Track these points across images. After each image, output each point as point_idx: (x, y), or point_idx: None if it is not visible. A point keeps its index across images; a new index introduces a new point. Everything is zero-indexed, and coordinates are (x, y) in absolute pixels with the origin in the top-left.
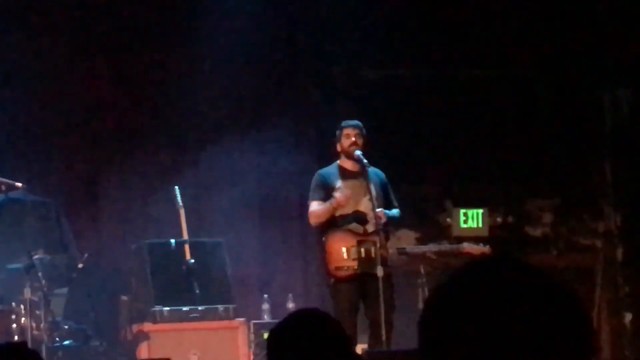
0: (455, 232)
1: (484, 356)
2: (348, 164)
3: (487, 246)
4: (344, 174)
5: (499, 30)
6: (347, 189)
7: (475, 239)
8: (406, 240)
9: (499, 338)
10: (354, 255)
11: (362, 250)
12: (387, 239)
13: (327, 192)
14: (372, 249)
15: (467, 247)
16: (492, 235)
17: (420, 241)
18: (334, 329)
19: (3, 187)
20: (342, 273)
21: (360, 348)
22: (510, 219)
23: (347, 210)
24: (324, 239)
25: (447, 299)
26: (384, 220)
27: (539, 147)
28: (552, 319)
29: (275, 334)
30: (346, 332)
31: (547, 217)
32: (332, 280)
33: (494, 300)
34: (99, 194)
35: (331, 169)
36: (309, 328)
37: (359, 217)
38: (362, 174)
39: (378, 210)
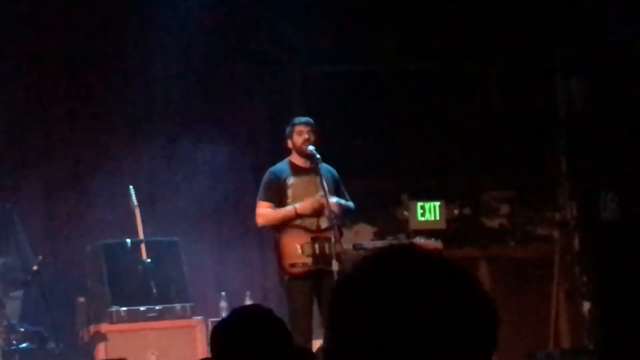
0: (412, 226)
1: (386, 347)
2: (299, 160)
3: (439, 240)
4: (296, 170)
5: (449, 22)
6: (308, 200)
7: (433, 232)
8: (364, 234)
9: (400, 328)
10: (308, 251)
11: (317, 246)
12: (341, 234)
13: (277, 190)
14: (326, 245)
15: (419, 241)
16: (449, 227)
17: (378, 235)
18: (275, 325)
19: None
20: (297, 270)
21: (316, 344)
22: (467, 210)
23: None
24: (277, 235)
25: (349, 291)
26: (337, 211)
27: (493, 139)
28: (454, 309)
29: (218, 331)
30: (287, 327)
31: (504, 209)
32: (287, 277)
33: (395, 291)
34: (52, 195)
35: (283, 165)
36: (251, 324)
37: (312, 214)
38: (313, 169)
39: (332, 200)
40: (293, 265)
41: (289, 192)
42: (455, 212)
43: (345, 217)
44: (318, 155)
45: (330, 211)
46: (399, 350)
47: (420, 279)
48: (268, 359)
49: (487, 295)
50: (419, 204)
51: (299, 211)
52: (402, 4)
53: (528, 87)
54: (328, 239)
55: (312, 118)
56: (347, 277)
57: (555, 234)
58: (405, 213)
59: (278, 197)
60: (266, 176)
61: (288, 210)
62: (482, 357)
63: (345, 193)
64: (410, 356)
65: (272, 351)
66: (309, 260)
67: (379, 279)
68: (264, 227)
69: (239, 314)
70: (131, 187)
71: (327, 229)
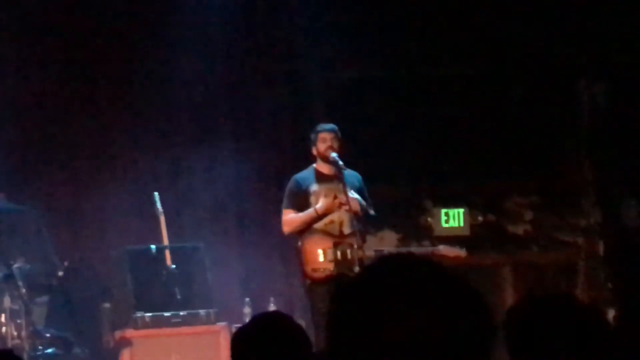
0: (436, 232)
1: (384, 354)
2: (324, 168)
3: (464, 249)
4: (320, 177)
5: (471, 27)
6: (325, 199)
7: (457, 239)
8: (388, 241)
9: (397, 336)
10: (330, 257)
11: (339, 252)
12: (363, 240)
13: (301, 198)
14: (349, 251)
15: (442, 249)
16: (473, 234)
17: (402, 242)
18: (295, 331)
19: None
20: (318, 275)
21: None
22: (491, 217)
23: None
24: (299, 242)
25: (347, 298)
26: (356, 207)
27: (517, 145)
28: (451, 317)
29: (238, 338)
30: (307, 334)
31: (528, 215)
32: (309, 282)
33: (392, 298)
34: (79, 202)
35: (307, 173)
36: (270, 331)
37: (336, 219)
38: (338, 177)
39: (352, 196)
40: (315, 270)
41: (312, 199)
42: (480, 218)
43: (365, 221)
44: (341, 162)
45: (351, 209)
46: (396, 358)
47: (417, 287)
48: None
49: (484, 302)
50: (443, 210)
51: (319, 212)
52: (425, 9)
53: (552, 92)
54: (351, 245)
55: (336, 123)
56: (346, 284)
57: (580, 240)
58: (429, 219)
59: (301, 205)
60: (290, 184)
61: (309, 212)
62: None
63: (369, 201)
64: None
65: (292, 358)
66: (330, 266)
67: (376, 286)
68: (290, 234)
69: (259, 320)
70: (156, 193)
71: (350, 235)
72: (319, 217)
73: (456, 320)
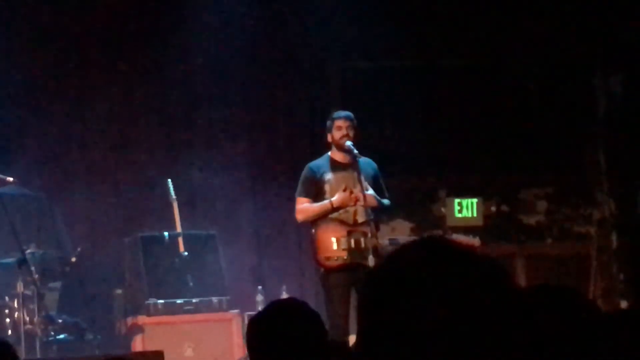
0: (449, 222)
1: (416, 340)
2: (339, 156)
3: (477, 238)
4: (335, 165)
5: (489, 19)
6: (341, 193)
7: (470, 229)
8: (401, 230)
9: (430, 321)
10: (343, 245)
11: (352, 240)
12: (377, 228)
13: (315, 186)
14: (362, 239)
15: (456, 238)
16: (486, 224)
17: (415, 231)
18: (310, 318)
19: None
20: (332, 263)
21: (353, 338)
22: (504, 207)
23: None
24: (313, 229)
25: (379, 285)
26: (372, 203)
27: (532, 136)
28: (484, 300)
29: (253, 324)
30: (322, 320)
31: (542, 205)
32: (322, 270)
33: (424, 283)
34: (92, 188)
35: (321, 161)
36: (285, 317)
37: (350, 208)
38: (352, 165)
39: (368, 192)
40: (328, 258)
41: (327, 187)
42: (493, 208)
43: (380, 213)
44: (356, 151)
45: (366, 204)
46: (430, 343)
47: (449, 271)
48: (303, 353)
49: (518, 286)
50: (457, 200)
51: (335, 205)
52: (439, 0)
53: (567, 84)
54: (364, 233)
55: (352, 112)
56: (377, 271)
57: (593, 231)
58: (443, 209)
59: (315, 193)
60: (304, 172)
61: (324, 204)
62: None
63: (384, 189)
64: (442, 349)
65: (307, 344)
66: (344, 254)
67: (406, 272)
68: (303, 223)
69: (273, 307)
70: (169, 180)
71: (363, 223)
72: (333, 209)
73: (485, 301)
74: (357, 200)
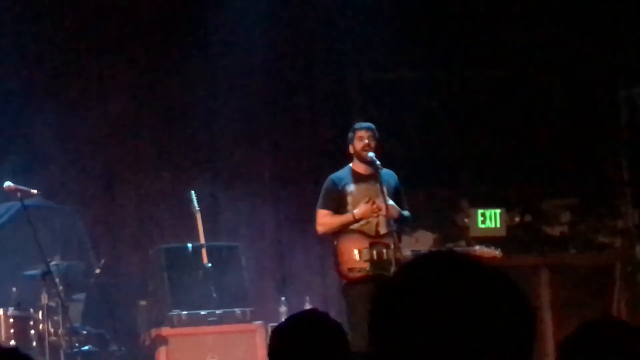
0: (473, 233)
1: (426, 352)
2: (360, 167)
3: (499, 249)
4: (357, 177)
5: (510, 28)
6: (364, 205)
7: (493, 239)
8: (424, 241)
9: (440, 334)
10: (365, 257)
11: (374, 252)
12: (399, 240)
13: (337, 198)
14: (384, 251)
15: (477, 250)
16: (509, 235)
17: (438, 242)
18: (331, 329)
19: (19, 194)
20: (354, 275)
21: None
22: (527, 218)
23: None
24: (335, 241)
25: (389, 296)
26: (394, 214)
27: (555, 146)
28: (494, 314)
29: (275, 336)
30: (345, 332)
31: (565, 216)
32: (344, 282)
33: (434, 296)
34: (115, 200)
35: (343, 173)
36: (307, 329)
37: (372, 219)
38: (374, 176)
39: (389, 203)
40: (351, 270)
41: (349, 199)
42: (516, 219)
43: (401, 224)
44: (378, 162)
45: (388, 215)
46: (440, 355)
47: (460, 284)
48: None
49: (527, 300)
50: (480, 211)
51: (357, 217)
52: (463, 11)
53: (590, 94)
54: (387, 245)
55: (373, 124)
56: (388, 282)
57: (617, 242)
58: (466, 220)
59: (337, 205)
60: (326, 184)
61: (347, 216)
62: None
63: (404, 201)
64: None
65: (329, 356)
66: (366, 266)
67: (419, 284)
68: (324, 235)
69: (295, 319)
70: (192, 191)
71: (385, 235)
72: (356, 221)
73: (498, 316)
74: (379, 210)
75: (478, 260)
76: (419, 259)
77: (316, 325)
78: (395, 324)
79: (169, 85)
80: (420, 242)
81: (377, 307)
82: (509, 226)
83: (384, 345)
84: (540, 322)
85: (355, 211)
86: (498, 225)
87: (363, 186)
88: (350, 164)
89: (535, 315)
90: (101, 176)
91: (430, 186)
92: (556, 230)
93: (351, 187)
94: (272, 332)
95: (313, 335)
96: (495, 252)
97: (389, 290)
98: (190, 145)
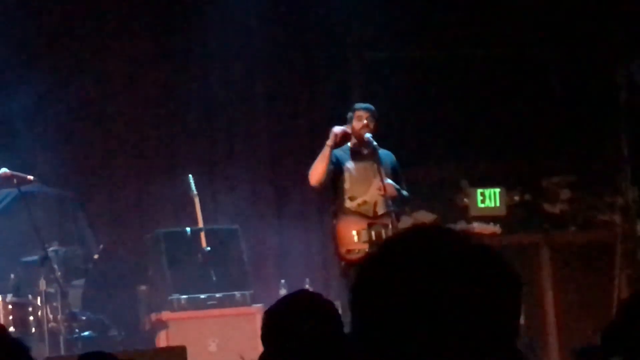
0: (472, 212)
1: (409, 327)
2: (359, 146)
3: (497, 225)
4: (355, 155)
5: (509, 7)
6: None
7: (493, 219)
8: (424, 221)
9: (424, 308)
10: (364, 238)
11: (373, 232)
12: (398, 220)
13: (334, 168)
14: (383, 231)
15: (477, 227)
16: (509, 213)
17: (438, 222)
18: (324, 308)
19: (15, 181)
20: (353, 256)
21: None
22: (527, 196)
23: (358, 192)
24: (334, 222)
25: (371, 272)
26: (392, 193)
27: (553, 124)
28: (479, 285)
29: (268, 318)
30: (337, 311)
31: (565, 194)
32: (343, 263)
33: (420, 270)
34: (114, 184)
35: (342, 151)
36: (299, 309)
37: (369, 200)
38: (372, 156)
39: (387, 182)
40: (349, 251)
41: (346, 175)
42: (516, 198)
43: (399, 204)
44: (375, 143)
45: (385, 186)
46: (422, 331)
47: (443, 257)
48: (318, 344)
49: (514, 274)
50: (479, 190)
51: (329, 143)
52: None
53: (589, 71)
54: (385, 225)
55: (373, 104)
56: (369, 258)
57: (617, 219)
58: (465, 200)
59: (334, 179)
60: None
61: (322, 151)
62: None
63: (403, 181)
64: (435, 338)
65: (322, 336)
66: (365, 247)
67: (401, 259)
68: (316, 183)
69: (286, 299)
70: (190, 175)
71: (384, 215)
72: (330, 147)
73: (482, 290)
74: (344, 134)
75: (462, 233)
76: (402, 234)
77: (308, 305)
78: (377, 299)
79: (166, 68)
80: (420, 222)
81: (359, 282)
82: (509, 205)
83: (365, 321)
84: (541, 300)
85: (328, 141)
86: (498, 204)
87: (361, 165)
88: (349, 143)
89: (520, 289)
90: (99, 161)
91: (429, 166)
92: (556, 208)
93: (349, 164)
94: (264, 313)
95: (305, 316)
96: (495, 229)
97: (370, 265)
98: (188, 129)
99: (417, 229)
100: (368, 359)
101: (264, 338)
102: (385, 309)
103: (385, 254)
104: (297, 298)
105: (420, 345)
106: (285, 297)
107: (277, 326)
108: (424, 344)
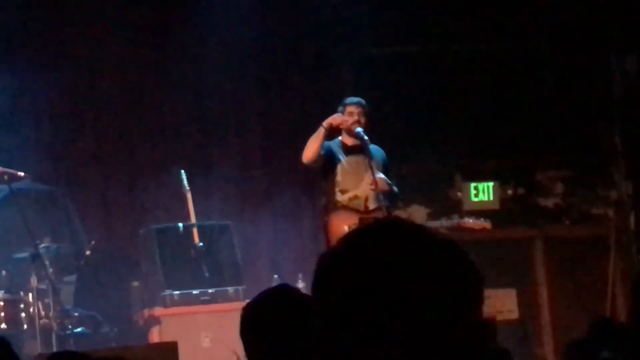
0: (466, 206)
1: (369, 321)
2: (350, 141)
3: (488, 220)
4: (346, 149)
5: (502, 2)
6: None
7: (487, 212)
8: (418, 216)
9: (384, 302)
10: None
11: None
12: (389, 215)
13: (327, 154)
14: None
15: (467, 221)
16: (503, 207)
17: (432, 217)
18: (301, 302)
19: (6, 177)
20: None
21: None
22: (521, 190)
23: (349, 185)
24: (326, 217)
25: (331, 266)
26: (383, 187)
27: (547, 118)
28: (438, 279)
29: (246, 312)
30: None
31: (558, 188)
32: None
33: (377, 264)
34: (105, 181)
35: (334, 144)
36: (277, 304)
37: (361, 194)
38: (364, 151)
39: (379, 176)
40: None
41: (338, 167)
42: (509, 192)
43: (390, 199)
44: (366, 137)
45: (377, 181)
46: (383, 324)
47: (403, 251)
48: (296, 338)
49: (475, 269)
50: (473, 184)
51: (326, 125)
52: None
53: (583, 65)
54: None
55: (365, 100)
56: (329, 252)
57: (611, 213)
58: (459, 194)
59: (327, 164)
60: None
61: (318, 131)
62: (467, 328)
63: (392, 177)
64: (395, 330)
65: (301, 329)
66: None
67: (361, 252)
68: (308, 160)
69: (265, 294)
70: (182, 171)
71: (375, 210)
72: (325, 130)
73: (442, 283)
74: (343, 122)
75: (424, 228)
76: (363, 228)
77: (285, 299)
78: (336, 293)
79: (158, 61)
80: (413, 216)
81: (318, 277)
82: (503, 199)
83: (326, 314)
84: (536, 294)
85: (324, 123)
86: (491, 198)
87: (353, 158)
88: (340, 137)
89: (481, 284)
90: (90, 157)
91: (422, 160)
92: (550, 202)
93: (342, 158)
94: (243, 308)
95: (282, 310)
96: (486, 224)
97: (331, 259)
98: (180, 124)
99: (378, 223)
100: (327, 352)
101: (242, 332)
102: (342, 304)
103: (344, 249)
104: (275, 292)
105: (379, 341)
106: (263, 292)
107: (254, 320)
108: (382, 339)
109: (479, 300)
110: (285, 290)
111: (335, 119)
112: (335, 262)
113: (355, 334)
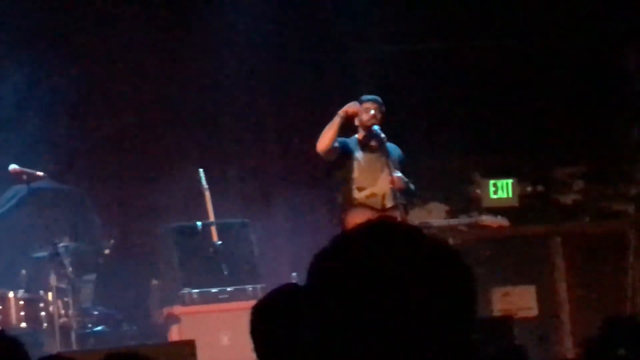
0: (485, 203)
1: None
2: (366, 138)
3: (505, 218)
4: (363, 146)
5: None
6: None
7: (505, 210)
8: (437, 213)
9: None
10: None
11: None
12: (406, 213)
13: (343, 148)
14: None
15: (485, 219)
16: (522, 204)
17: (451, 214)
18: None
19: (25, 177)
20: None
21: None
22: (539, 187)
23: (366, 183)
24: (343, 215)
25: (321, 268)
26: (400, 185)
27: (565, 114)
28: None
29: (254, 312)
30: None
31: (577, 184)
32: None
33: (368, 266)
34: (124, 179)
35: (351, 141)
36: (284, 303)
37: (378, 192)
38: (380, 148)
39: (396, 174)
40: None
41: (355, 164)
42: (528, 189)
43: (407, 196)
44: (383, 135)
45: (393, 179)
46: (375, 325)
47: (395, 254)
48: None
49: (468, 270)
50: (491, 181)
51: (341, 113)
52: None
53: (599, 60)
54: (393, 218)
55: (381, 97)
56: (322, 251)
57: (630, 208)
58: (478, 191)
59: (343, 159)
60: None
61: (333, 120)
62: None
63: (408, 175)
64: (388, 333)
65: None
66: None
67: (353, 253)
68: (323, 150)
69: (272, 294)
70: (201, 170)
71: (392, 208)
72: (341, 119)
73: (435, 285)
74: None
75: (417, 229)
76: (355, 229)
77: (294, 299)
78: (326, 294)
79: (175, 60)
80: (432, 214)
81: (310, 277)
82: (521, 196)
83: (319, 314)
84: (554, 291)
85: (340, 112)
86: (510, 195)
87: (369, 156)
88: (356, 135)
89: (474, 286)
90: (109, 156)
91: (441, 158)
92: (569, 199)
93: (359, 154)
94: (251, 309)
95: (291, 309)
96: (503, 221)
97: (322, 259)
98: (198, 122)
99: (371, 224)
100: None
101: (251, 333)
102: (332, 305)
103: (336, 249)
104: (282, 291)
105: (371, 342)
106: (270, 292)
107: (263, 320)
108: (374, 340)
109: (473, 302)
110: (294, 290)
111: (350, 106)
112: (325, 264)
113: (344, 336)
